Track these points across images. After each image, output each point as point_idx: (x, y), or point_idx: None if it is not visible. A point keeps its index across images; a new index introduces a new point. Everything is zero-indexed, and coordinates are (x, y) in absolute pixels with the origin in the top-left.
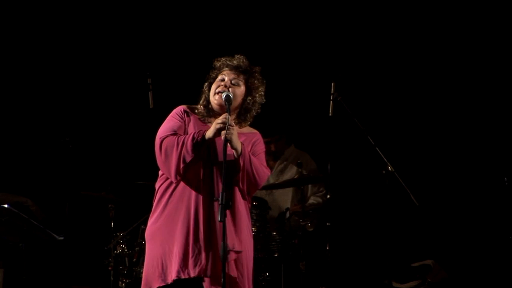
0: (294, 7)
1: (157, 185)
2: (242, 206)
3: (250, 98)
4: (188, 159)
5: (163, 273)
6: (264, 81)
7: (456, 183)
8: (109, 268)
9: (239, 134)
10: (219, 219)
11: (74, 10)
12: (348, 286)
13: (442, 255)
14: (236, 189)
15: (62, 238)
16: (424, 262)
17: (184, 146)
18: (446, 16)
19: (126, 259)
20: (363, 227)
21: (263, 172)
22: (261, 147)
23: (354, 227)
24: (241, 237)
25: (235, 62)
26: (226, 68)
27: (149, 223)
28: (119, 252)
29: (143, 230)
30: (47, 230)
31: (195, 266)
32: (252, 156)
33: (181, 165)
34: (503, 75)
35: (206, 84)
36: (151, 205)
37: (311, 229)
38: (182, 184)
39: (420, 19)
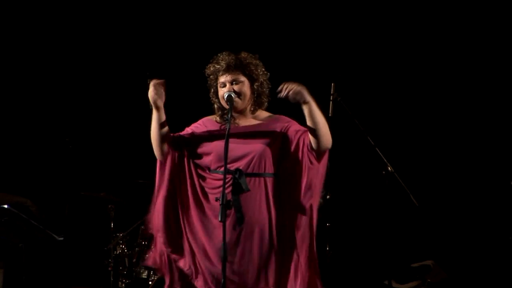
0: (294, 7)
1: None
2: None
3: (257, 84)
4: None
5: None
6: (257, 56)
7: (456, 183)
8: (109, 269)
9: (261, 124)
10: (219, 219)
11: (74, 10)
12: (348, 286)
13: (442, 256)
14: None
15: (62, 238)
16: (424, 263)
17: None
18: (446, 16)
19: (126, 259)
20: (363, 227)
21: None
22: (295, 127)
23: (354, 227)
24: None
25: (223, 63)
26: (220, 72)
27: None
28: (119, 252)
29: (143, 231)
30: (47, 230)
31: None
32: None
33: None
34: (504, 74)
35: (211, 92)
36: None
37: None
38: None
39: (420, 19)
